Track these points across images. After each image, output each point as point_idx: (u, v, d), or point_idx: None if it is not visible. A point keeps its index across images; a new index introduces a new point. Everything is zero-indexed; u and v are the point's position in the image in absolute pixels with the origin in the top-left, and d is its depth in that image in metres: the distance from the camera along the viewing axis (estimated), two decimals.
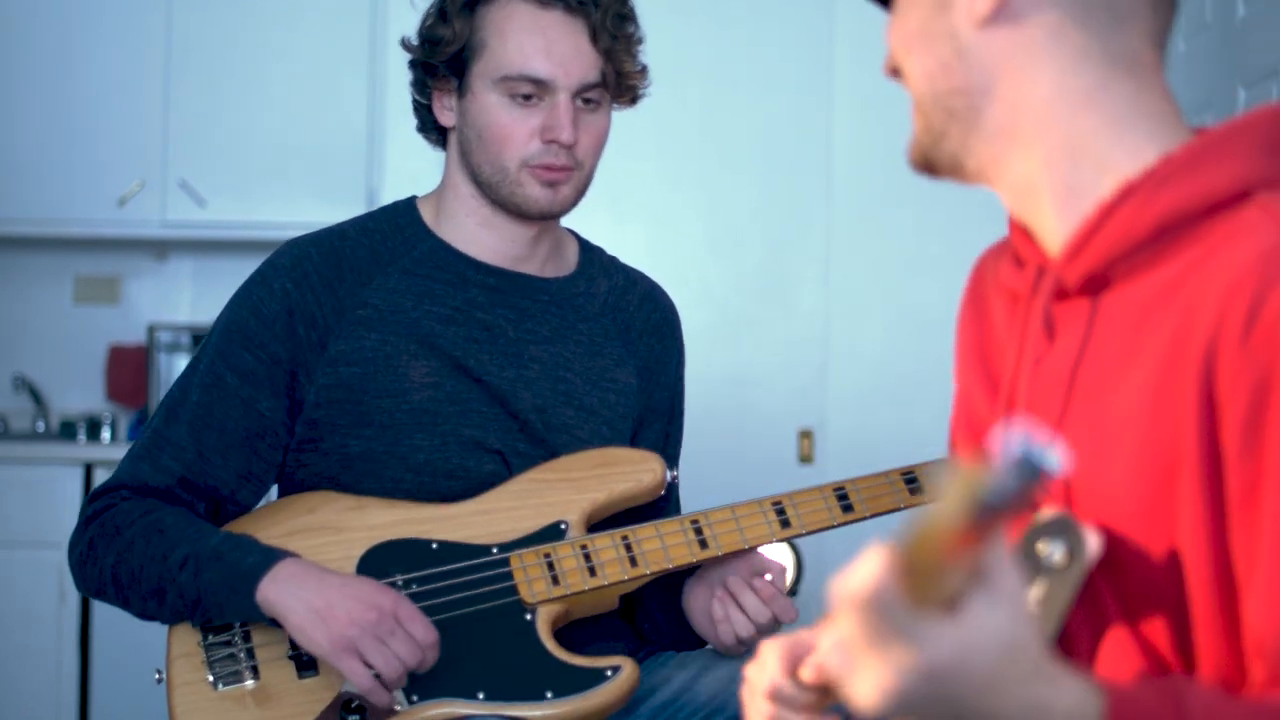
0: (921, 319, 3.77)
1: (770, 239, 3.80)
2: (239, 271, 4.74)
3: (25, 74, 4.05)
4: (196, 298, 4.39)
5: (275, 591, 1.59)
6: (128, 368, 4.27)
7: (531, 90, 1.70)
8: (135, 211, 4.06)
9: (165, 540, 1.65)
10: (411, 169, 3.95)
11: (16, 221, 4.07)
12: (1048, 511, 1.03)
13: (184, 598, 1.64)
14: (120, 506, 1.70)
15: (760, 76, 3.78)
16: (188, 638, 1.69)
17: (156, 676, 1.70)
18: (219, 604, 1.62)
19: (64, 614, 3.73)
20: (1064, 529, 0.99)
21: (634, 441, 1.86)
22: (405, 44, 1.82)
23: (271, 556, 1.62)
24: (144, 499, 1.70)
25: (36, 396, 4.27)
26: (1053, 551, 0.98)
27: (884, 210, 3.80)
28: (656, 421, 1.89)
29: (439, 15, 1.76)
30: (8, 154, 4.04)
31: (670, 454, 1.92)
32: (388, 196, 3.94)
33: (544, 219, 1.77)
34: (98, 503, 1.72)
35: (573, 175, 1.73)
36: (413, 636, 1.58)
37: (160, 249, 4.37)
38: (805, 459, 3.77)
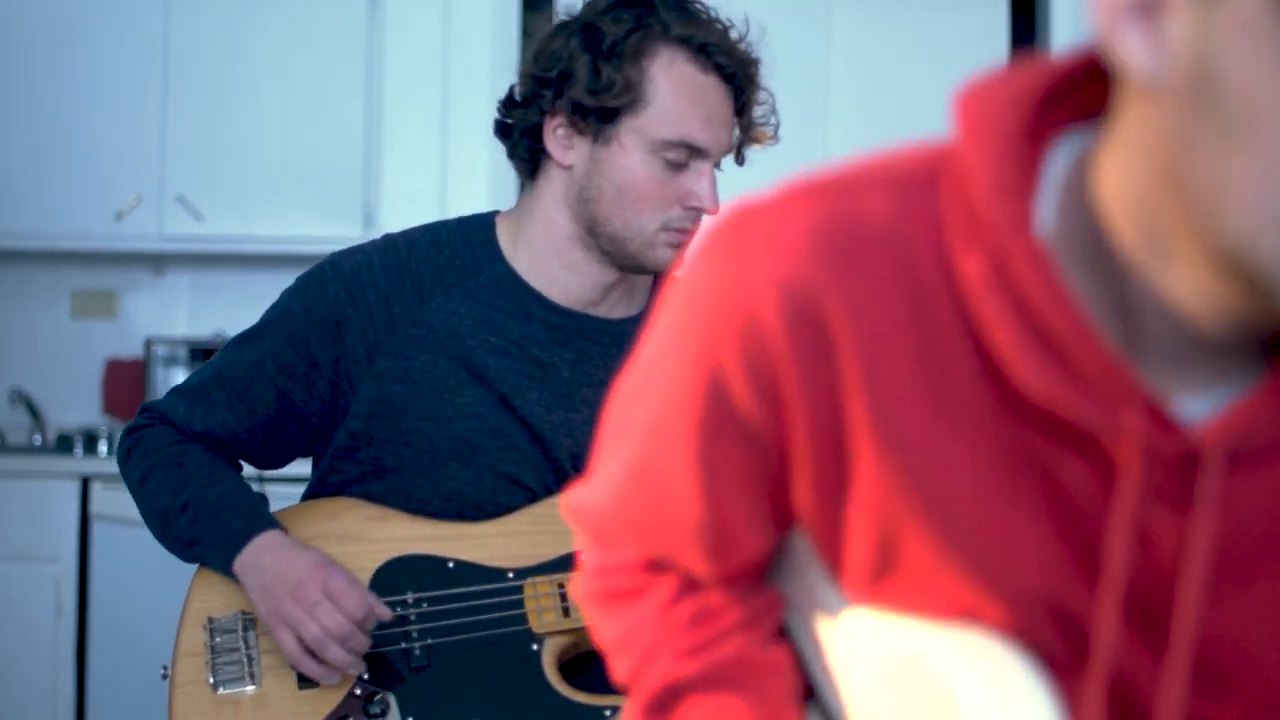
0: None
1: None
2: (236, 286, 4.71)
3: (22, 88, 4.05)
4: (193, 312, 4.38)
5: (242, 564, 1.68)
6: (125, 381, 4.27)
7: (685, 157, 1.65)
8: (132, 226, 4.06)
9: (181, 475, 1.73)
10: (408, 185, 3.96)
11: (13, 236, 4.07)
12: None
13: (182, 539, 1.73)
14: (156, 428, 1.79)
15: None
16: (196, 637, 1.71)
17: (162, 672, 1.71)
18: (207, 557, 1.72)
19: (60, 627, 3.73)
20: None
21: None
22: (527, 70, 1.68)
23: (254, 526, 1.68)
24: (174, 430, 1.80)
25: (33, 410, 4.27)
26: None
27: None
28: None
29: (596, 55, 1.63)
30: (5, 168, 4.05)
31: None
32: (385, 212, 3.97)
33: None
34: (143, 417, 1.81)
35: (694, 234, 1.71)
36: (341, 610, 1.62)
37: (157, 263, 4.38)
38: None
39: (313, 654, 1.64)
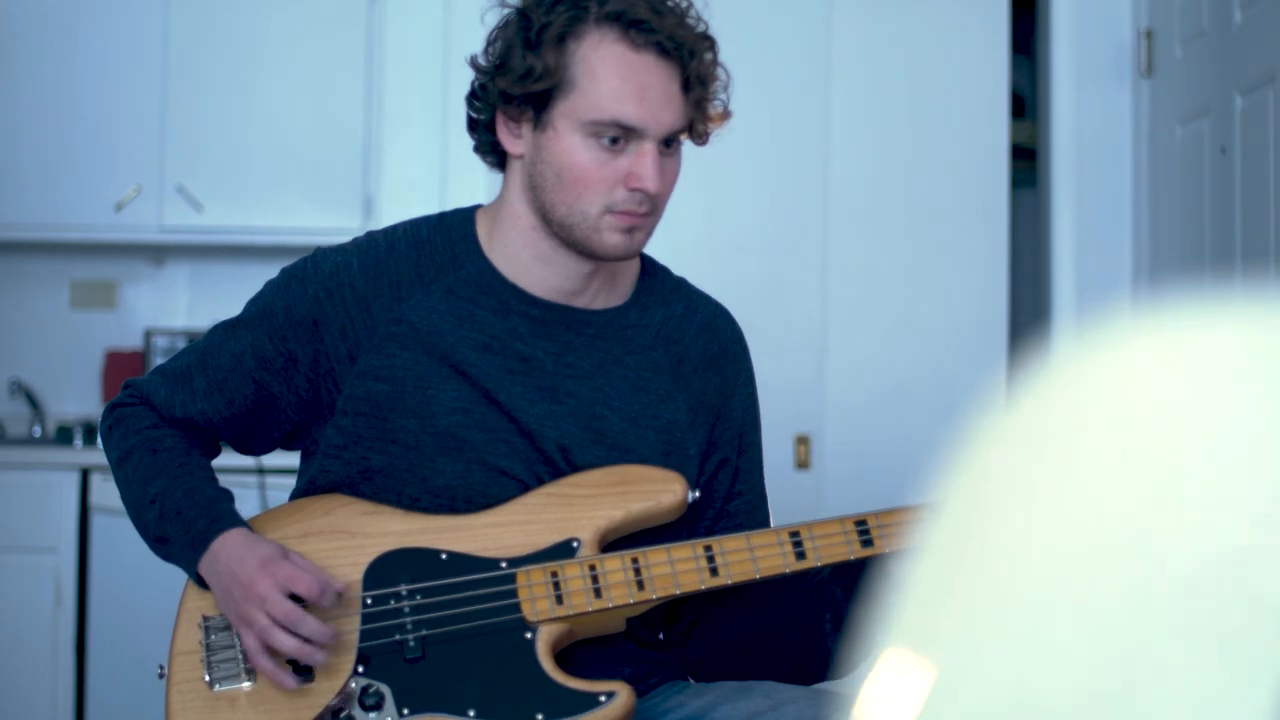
0: (918, 325, 3.78)
1: (767, 246, 3.81)
2: (236, 277, 4.74)
3: (22, 79, 4.05)
4: (193, 303, 4.39)
5: (206, 568, 1.69)
6: (124, 372, 4.27)
7: (619, 134, 1.64)
8: (132, 217, 4.06)
9: (153, 463, 1.75)
10: (408, 176, 3.96)
11: (13, 226, 4.07)
12: None
13: (150, 534, 1.75)
14: (138, 409, 1.82)
15: (758, 83, 3.79)
16: (191, 635, 1.71)
17: (159, 671, 1.72)
18: (175, 558, 1.73)
19: (60, 618, 3.73)
20: None
21: (700, 475, 1.79)
22: (475, 63, 1.73)
23: (215, 528, 1.68)
24: (154, 411, 1.82)
25: (33, 401, 4.27)
26: None
27: (880, 217, 3.80)
28: (716, 454, 1.82)
29: (524, 43, 1.65)
30: (5, 159, 4.05)
31: (738, 488, 1.84)
32: (384, 203, 3.97)
33: (616, 262, 1.74)
34: (126, 395, 1.84)
35: (648, 220, 1.69)
36: (299, 589, 1.61)
37: (157, 254, 4.38)
38: (802, 465, 3.78)
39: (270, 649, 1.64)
